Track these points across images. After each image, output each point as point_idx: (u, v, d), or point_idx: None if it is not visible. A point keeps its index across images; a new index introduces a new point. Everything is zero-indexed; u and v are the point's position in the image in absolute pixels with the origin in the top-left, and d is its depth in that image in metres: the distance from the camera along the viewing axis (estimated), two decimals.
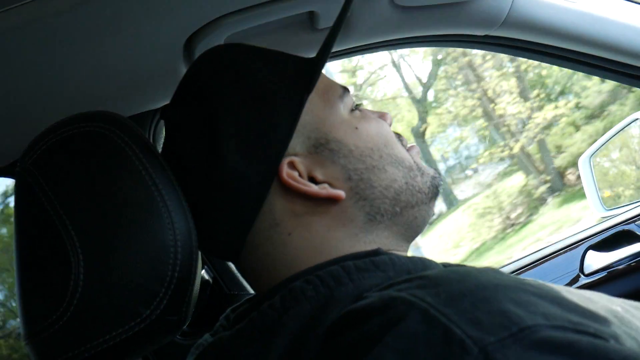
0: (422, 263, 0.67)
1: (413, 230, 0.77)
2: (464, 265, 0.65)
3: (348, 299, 0.59)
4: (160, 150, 0.76)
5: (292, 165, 0.70)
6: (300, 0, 1.01)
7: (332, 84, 0.78)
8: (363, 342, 0.52)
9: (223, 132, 0.70)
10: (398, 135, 0.80)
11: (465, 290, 0.52)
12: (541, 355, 0.45)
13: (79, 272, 0.66)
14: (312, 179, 0.71)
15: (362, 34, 1.18)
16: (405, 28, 1.21)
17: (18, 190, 0.73)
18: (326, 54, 0.74)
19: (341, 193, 0.70)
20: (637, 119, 1.56)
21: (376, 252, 0.67)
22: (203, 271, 1.30)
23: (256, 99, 0.71)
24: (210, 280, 1.31)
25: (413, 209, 0.75)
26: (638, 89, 1.38)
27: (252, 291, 1.31)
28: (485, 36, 1.27)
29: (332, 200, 0.71)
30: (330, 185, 0.71)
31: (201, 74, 0.76)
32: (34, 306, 0.69)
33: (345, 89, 0.77)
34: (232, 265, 1.32)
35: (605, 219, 1.60)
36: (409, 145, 0.81)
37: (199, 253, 0.74)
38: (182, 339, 1.24)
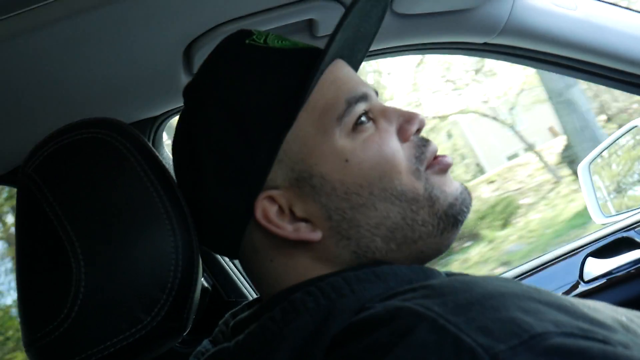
0: (424, 272, 0.65)
1: (421, 260, 0.71)
2: (468, 274, 0.65)
3: (350, 311, 0.58)
4: (161, 157, 0.76)
5: (271, 200, 0.67)
6: (299, 9, 1.01)
7: (335, 99, 0.68)
8: (370, 353, 0.51)
9: (202, 158, 0.69)
10: (423, 146, 0.71)
11: (473, 299, 0.51)
12: None
13: (80, 278, 0.66)
14: (293, 213, 0.68)
15: None
16: (404, 35, 1.21)
17: (20, 197, 0.73)
18: (315, 80, 0.68)
19: (314, 237, 0.66)
20: (636, 126, 1.56)
21: (376, 263, 0.66)
22: (202, 278, 1.30)
23: (238, 125, 0.68)
24: (210, 287, 1.31)
25: (416, 244, 0.68)
26: (637, 96, 1.38)
27: (251, 298, 1.31)
28: (484, 44, 1.28)
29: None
30: (310, 222, 0.67)
31: (192, 90, 0.75)
32: (35, 312, 0.69)
33: (350, 104, 0.68)
34: (230, 273, 1.32)
35: (605, 226, 1.60)
36: (436, 158, 0.71)
37: (200, 260, 0.74)
38: (181, 346, 1.24)
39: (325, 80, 0.69)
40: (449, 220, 0.69)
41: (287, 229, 0.67)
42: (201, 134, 0.70)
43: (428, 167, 0.70)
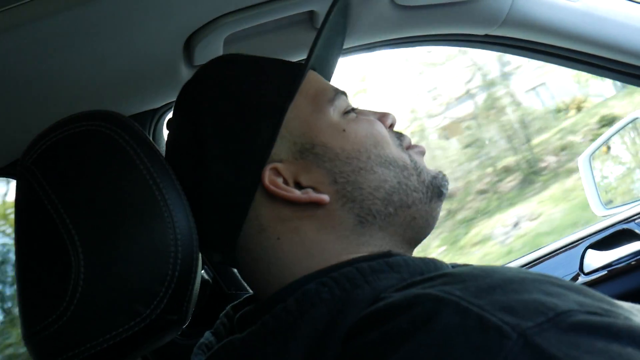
0: (434, 264, 0.67)
1: (414, 230, 0.75)
2: (480, 265, 0.66)
3: (365, 301, 0.59)
4: (161, 149, 0.77)
5: (276, 172, 0.71)
6: (299, 0, 1.01)
7: (323, 88, 0.77)
8: (389, 340, 0.52)
9: (207, 141, 0.72)
10: (399, 135, 0.79)
11: (494, 284, 0.52)
12: (581, 337, 0.46)
13: (79, 271, 0.66)
14: (298, 185, 0.71)
15: (361, 34, 1.18)
16: (405, 27, 1.21)
17: (19, 190, 0.73)
18: (308, 62, 0.74)
19: (324, 197, 0.70)
20: (636, 118, 1.56)
21: (389, 254, 0.67)
22: (202, 271, 1.30)
23: (240, 108, 0.72)
24: (210, 280, 1.31)
25: (410, 209, 0.73)
26: (638, 87, 1.38)
27: (252, 291, 1.31)
28: (486, 35, 1.27)
29: (318, 204, 0.70)
30: (315, 189, 0.71)
31: (193, 86, 0.78)
32: (34, 305, 0.69)
33: (337, 92, 0.77)
34: None
35: (605, 217, 1.60)
36: (412, 144, 0.79)
37: (199, 252, 0.74)
38: (182, 339, 1.24)
39: (310, 78, 0.78)
40: (434, 190, 0.76)
41: (296, 192, 0.70)
42: (206, 117, 0.73)
43: (408, 148, 0.78)
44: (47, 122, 0.75)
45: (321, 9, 1.05)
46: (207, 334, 0.78)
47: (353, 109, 0.77)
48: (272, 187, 0.70)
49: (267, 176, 0.70)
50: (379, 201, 0.71)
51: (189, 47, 1.02)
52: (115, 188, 0.70)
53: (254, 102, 0.73)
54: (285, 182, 0.71)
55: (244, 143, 0.71)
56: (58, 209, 0.68)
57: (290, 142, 0.72)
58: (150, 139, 0.77)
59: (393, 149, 0.75)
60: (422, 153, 0.79)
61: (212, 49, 1.02)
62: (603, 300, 0.51)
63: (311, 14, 1.08)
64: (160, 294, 0.69)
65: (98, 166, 0.71)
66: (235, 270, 1.32)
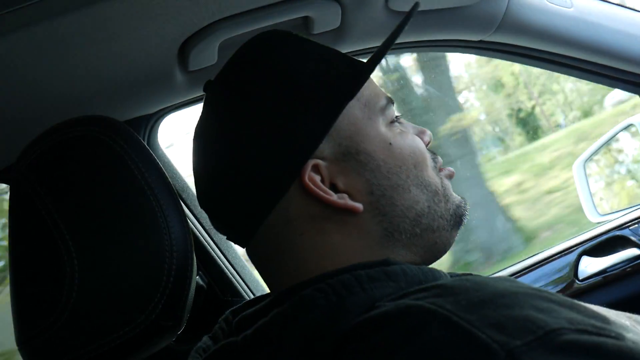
0: (432, 274, 0.66)
1: (432, 254, 0.76)
2: (477, 275, 0.66)
3: (360, 309, 0.59)
4: (156, 155, 0.76)
5: (316, 169, 0.69)
6: (295, 6, 1.01)
7: (376, 94, 0.76)
8: (380, 350, 0.52)
9: (254, 119, 0.70)
10: (434, 155, 0.79)
11: (485, 298, 0.52)
12: (569, 358, 0.45)
13: (73, 277, 0.66)
14: (334, 186, 0.70)
15: (356, 39, 1.18)
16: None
17: (13, 195, 0.72)
18: (376, 63, 0.73)
19: (359, 206, 0.69)
20: (630, 124, 1.56)
21: (387, 262, 0.67)
22: (197, 277, 1.30)
23: (295, 95, 0.70)
24: (205, 285, 1.31)
25: (434, 234, 0.74)
26: (635, 94, 1.39)
27: (247, 297, 1.31)
28: (480, 41, 1.28)
29: (350, 211, 0.69)
30: (350, 196, 0.70)
31: (247, 57, 0.75)
32: (28, 311, 0.69)
33: (389, 101, 0.77)
34: (226, 271, 1.32)
35: (599, 224, 1.61)
36: (444, 168, 0.80)
37: (194, 258, 0.74)
38: (176, 344, 1.23)
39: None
40: (457, 219, 0.77)
41: (334, 196, 0.69)
42: (257, 98, 0.71)
43: (440, 170, 0.78)
44: (42, 127, 0.75)
45: (316, 15, 1.05)
46: (205, 338, 0.77)
47: (397, 118, 0.77)
48: (310, 184, 0.68)
49: (308, 171, 0.69)
50: (408, 220, 0.72)
51: (183, 52, 1.02)
52: (109, 194, 0.70)
53: (310, 92, 0.71)
54: (322, 180, 0.70)
55: (292, 133, 0.69)
56: (52, 214, 0.68)
57: (335, 142, 0.71)
58: (145, 144, 0.76)
59: (430, 172, 0.75)
60: (451, 176, 0.79)
61: (207, 54, 1.02)
62: (595, 316, 0.51)
63: (306, 20, 1.08)
64: (155, 300, 0.68)
65: (93, 172, 0.71)
66: (231, 276, 1.32)
